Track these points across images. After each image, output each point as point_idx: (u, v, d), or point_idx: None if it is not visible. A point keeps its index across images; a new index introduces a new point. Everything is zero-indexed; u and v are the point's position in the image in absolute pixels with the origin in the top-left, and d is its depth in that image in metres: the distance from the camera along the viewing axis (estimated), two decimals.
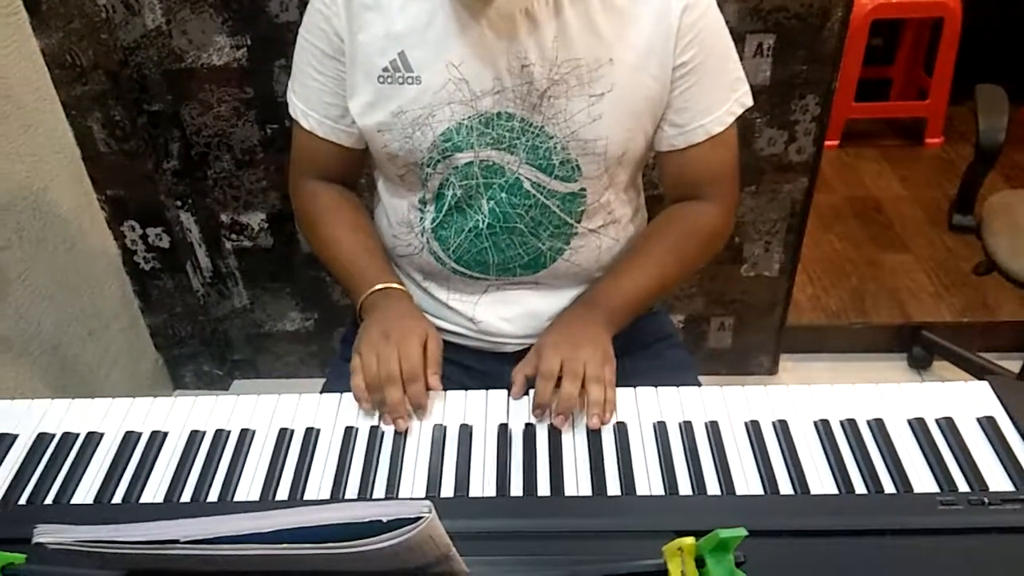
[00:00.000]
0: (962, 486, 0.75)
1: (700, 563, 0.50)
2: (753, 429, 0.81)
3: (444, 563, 0.48)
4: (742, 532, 0.49)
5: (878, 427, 0.81)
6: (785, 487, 0.76)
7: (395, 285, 0.97)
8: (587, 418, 0.81)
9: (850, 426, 0.81)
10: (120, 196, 1.60)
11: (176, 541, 0.41)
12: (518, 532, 0.72)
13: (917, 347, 1.92)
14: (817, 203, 1.65)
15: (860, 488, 0.75)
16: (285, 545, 0.41)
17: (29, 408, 0.88)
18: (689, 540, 0.49)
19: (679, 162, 0.96)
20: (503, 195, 0.94)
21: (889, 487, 0.75)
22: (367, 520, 0.41)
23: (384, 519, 0.41)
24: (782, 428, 0.81)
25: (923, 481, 0.76)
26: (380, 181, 1.04)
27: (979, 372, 1.80)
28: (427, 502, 0.43)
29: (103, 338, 1.64)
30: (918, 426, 0.81)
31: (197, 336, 1.81)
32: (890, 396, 0.85)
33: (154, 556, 0.44)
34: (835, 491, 0.75)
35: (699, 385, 1.09)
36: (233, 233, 1.67)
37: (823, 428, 0.81)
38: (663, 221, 1.02)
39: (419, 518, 0.41)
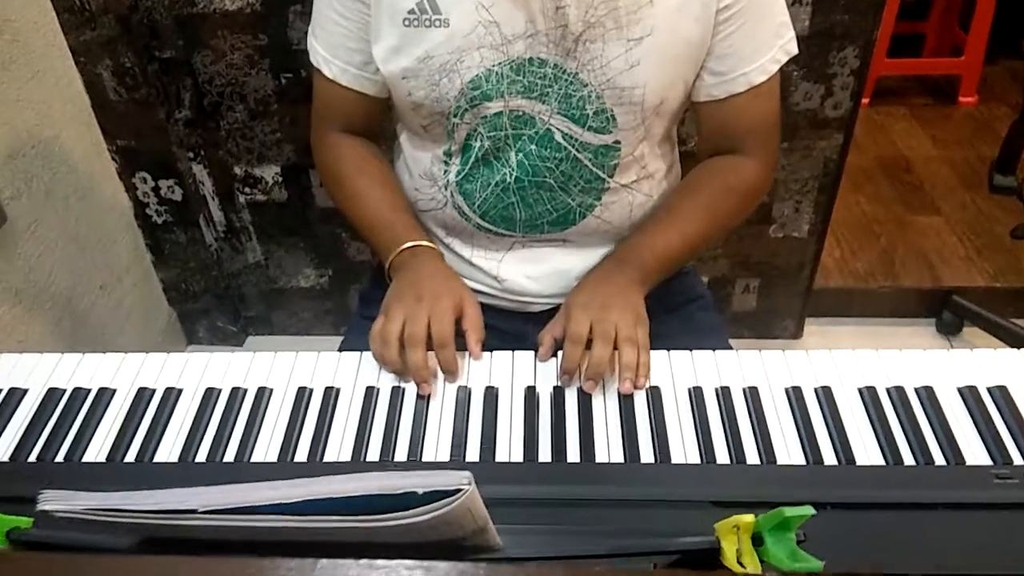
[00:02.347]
0: (1017, 459, 0.71)
1: (757, 541, 0.46)
2: (795, 395, 0.77)
3: (480, 536, 0.44)
4: (808, 511, 0.45)
5: (927, 395, 0.77)
6: (829, 457, 0.72)
7: (425, 243, 0.93)
8: (619, 382, 0.78)
9: (897, 394, 0.77)
10: (131, 147, 1.55)
11: (194, 511, 0.38)
12: (547, 499, 0.68)
13: (947, 312, 1.87)
14: (847, 163, 1.59)
15: (908, 459, 0.71)
16: (313, 516, 0.38)
17: (39, 362, 0.85)
18: (748, 518, 0.45)
19: (718, 114, 0.91)
20: (533, 147, 0.89)
21: (940, 459, 0.71)
22: (401, 492, 0.37)
23: (420, 490, 0.37)
24: (825, 395, 0.77)
25: (976, 453, 0.72)
26: (403, 133, 0.99)
27: (1011, 339, 1.75)
28: (467, 473, 0.39)
29: (115, 292, 1.61)
30: (970, 395, 0.77)
31: (210, 291, 1.78)
32: (939, 363, 0.81)
33: (170, 526, 0.40)
34: (882, 462, 0.71)
35: (731, 348, 1.06)
36: (247, 186, 1.62)
37: (869, 396, 0.77)
38: (699, 176, 0.97)
39: (459, 490, 0.38)
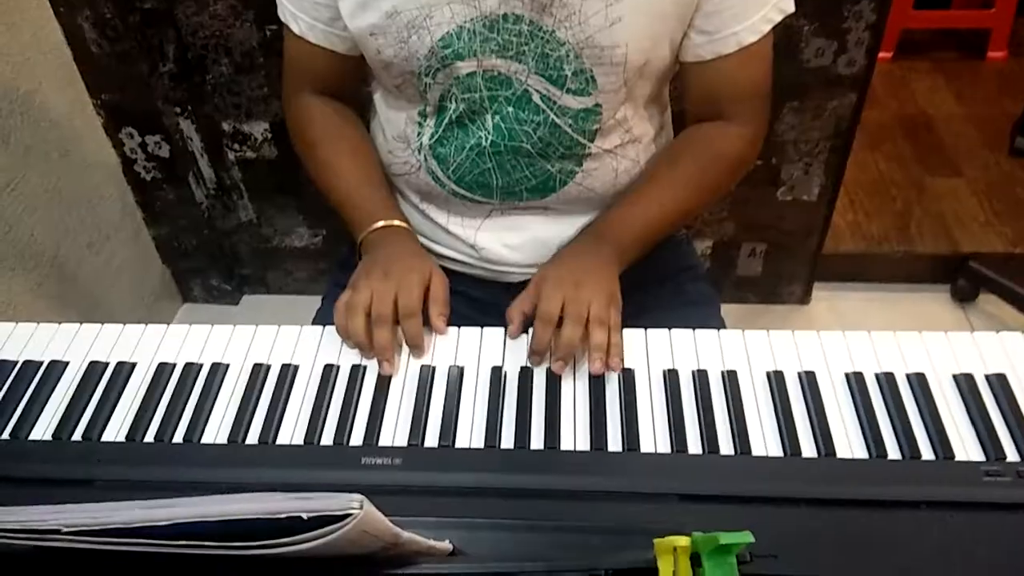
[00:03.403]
0: (1011, 455, 0.66)
1: (696, 561, 0.42)
2: (776, 381, 0.72)
3: (396, 548, 0.41)
4: (747, 538, 0.41)
5: (919, 383, 0.72)
6: (808, 449, 0.67)
7: (398, 222, 0.88)
8: (589, 362, 0.73)
9: (887, 381, 0.72)
10: (115, 101, 1.51)
11: (58, 532, 0.35)
12: (507, 489, 0.65)
13: (962, 278, 1.80)
14: (864, 120, 1.51)
15: (894, 453, 0.67)
16: (184, 540, 0.34)
17: None
18: (684, 540, 0.41)
19: (705, 76, 0.84)
20: (509, 110, 0.84)
21: (927, 453, 0.67)
22: (284, 516, 0.34)
23: (304, 515, 0.34)
24: (809, 381, 0.72)
25: (967, 447, 0.67)
26: (378, 91, 0.94)
27: None
28: (358, 496, 0.35)
29: (104, 250, 1.58)
30: (965, 383, 0.72)
31: (203, 250, 1.74)
32: (935, 347, 0.76)
33: (36, 546, 0.37)
34: (865, 455, 0.67)
35: (722, 322, 1.01)
36: (235, 143, 1.58)
37: (856, 382, 0.72)
38: (682, 144, 0.91)
39: (347, 515, 0.34)
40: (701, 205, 0.91)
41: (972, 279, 1.79)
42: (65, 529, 0.34)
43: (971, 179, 1.99)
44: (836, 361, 0.74)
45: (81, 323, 0.82)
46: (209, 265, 1.78)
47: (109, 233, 1.59)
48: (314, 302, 1.05)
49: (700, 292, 1.03)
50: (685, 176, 0.87)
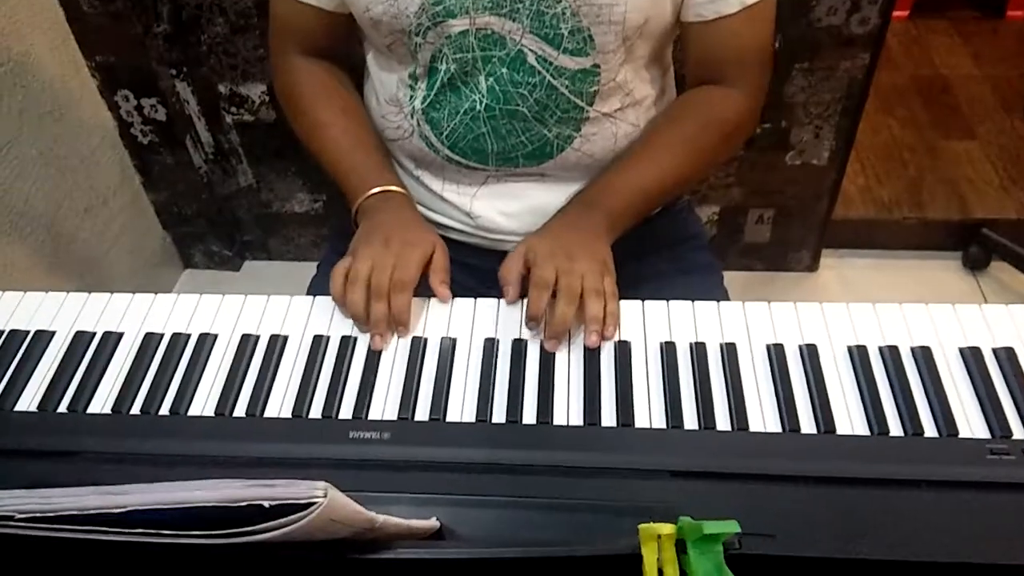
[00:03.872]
0: (1018, 432, 0.64)
1: (681, 547, 0.40)
2: (776, 354, 0.70)
3: (374, 532, 0.39)
4: (733, 527, 0.39)
5: (924, 357, 0.69)
6: (808, 425, 0.65)
7: (395, 188, 0.86)
8: (585, 335, 0.71)
9: (891, 354, 0.70)
10: (110, 63, 1.48)
11: (11, 518, 0.33)
12: (498, 464, 0.63)
13: (974, 246, 1.76)
14: (878, 82, 1.46)
15: (896, 430, 0.65)
16: (141, 529, 0.33)
17: None
18: (668, 528, 0.39)
19: (705, 38, 0.81)
20: (504, 71, 0.81)
21: (931, 430, 0.65)
22: (244, 504, 0.32)
23: (266, 504, 0.32)
24: (810, 354, 0.70)
25: (972, 424, 0.65)
26: (370, 51, 0.91)
27: None
28: (322, 484, 0.34)
29: (101, 215, 1.56)
30: (971, 357, 0.69)
31: (203, 215, 1.73)
32: (942, 319, 0.73)
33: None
34: (866, 432, 0.65)
35: (724, 292, 0.99)
36: (233, 106, 1.55)
37: (859, 356, 0.70)
38: (679, 108, 0.88)
39: (311, 504, 0.32)
40: (697, 172, 0.88)
41: (985, 246, 1.75)
42: (18, 516, 0.33)
43: (987, 143, 1.94)
44: (839, 334, 0.72)
45: (81, 290, 0.80)
46: (209, 231, 1.76)
47: (107, 198, 1.57)
48: (316, 268, 1.03)
49: (701, 262, 1.00)
50: (682, 140, 0.84)
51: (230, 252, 1.81)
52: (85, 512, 0.32)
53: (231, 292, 0.79)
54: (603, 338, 0.71)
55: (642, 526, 0.41)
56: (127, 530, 0.32)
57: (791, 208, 1.66)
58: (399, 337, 0.74)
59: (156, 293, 0.80)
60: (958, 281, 1.76)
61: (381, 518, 0.39)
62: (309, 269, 1.04)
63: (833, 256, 1.79)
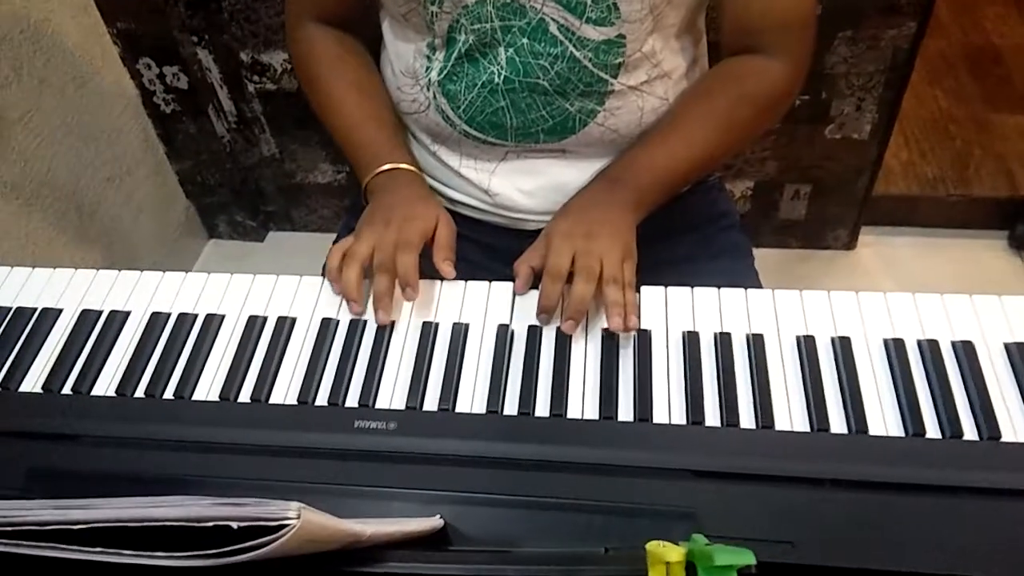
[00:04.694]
0: None
1: (692, 569, 0.37)
2: (806, 347, 0.66)
3: (365, 542, 0.37)
4: (748, 559, 0.36)
5: (965, 352, 0.65)
6: (838, 424, 0.62)
7: (405, 165, 0.83)
8: (607, 318, 0.67)
9: (930, 349, 0.65)
10: (131, 30, 1.45)
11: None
12: (508, 460, 0.60)
13: (1021, 224, 1.68)
14: (924, 50, 1.38)
15: (933, 432, 0.61)
16: (100, 549, 0.30)
17: None
18: (677, 554, 0.36)
19: (742, 3, 0.76)
20: (524, 41, 0.76)
21: (971, 433, 0.60)
22: (211, 525, 0.30)
23: (234, 525, 0.30)
24: (842, 347, 0.66)
25: (1017, 427, 0.61)
26: (385, 19, 0.87)
27: None
28: (295, 505, 0.31)
29: (125, 185, 1.55)
30: (1018, 353, 0.65)
31: (227, 185, 1.71)
32: (987, 311, 0.69)
33: None
34: (900, 433, 0.61)
35: (755, 275, 0.94)
36: (255, 74, 1.52)
37: (895, 350, 0.65)
38: (713, 78, 0.83)
39: (283, 526, 0.30)
40: (731, 148, 0.83)
41: None
42: None
43: None
44: (875, 326, 0.68)
45: (105, 260, 0.80)
46: (233, 201, 1.75)
47: (130, 167, 1.56)
48: None
49: (731, 243, 0.96)
50: (715, 115, 0.80)
51: (254, 222, 1.80)
52: (44, 528, 0.30)
53: (254, 262, 0.78)
54: (625, 327, 0.67)
55: (650, 546, 0.38)
56: (87, 548, 0.30)
57: (829, 184, 1.59)
58: (411, 320, 0.71)
59: (180, 263, 0.78)
60: (1003, 261, 1.69)
61: (369, 530, 0.37)
62: (333, 240, 1.01)
63: (872, 234, 1.72)
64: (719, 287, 0.72)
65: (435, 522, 0.52)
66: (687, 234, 0.92)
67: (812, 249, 1.73)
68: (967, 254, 1.70)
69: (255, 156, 1.68)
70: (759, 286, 0.92)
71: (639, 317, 0.69)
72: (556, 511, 0.56)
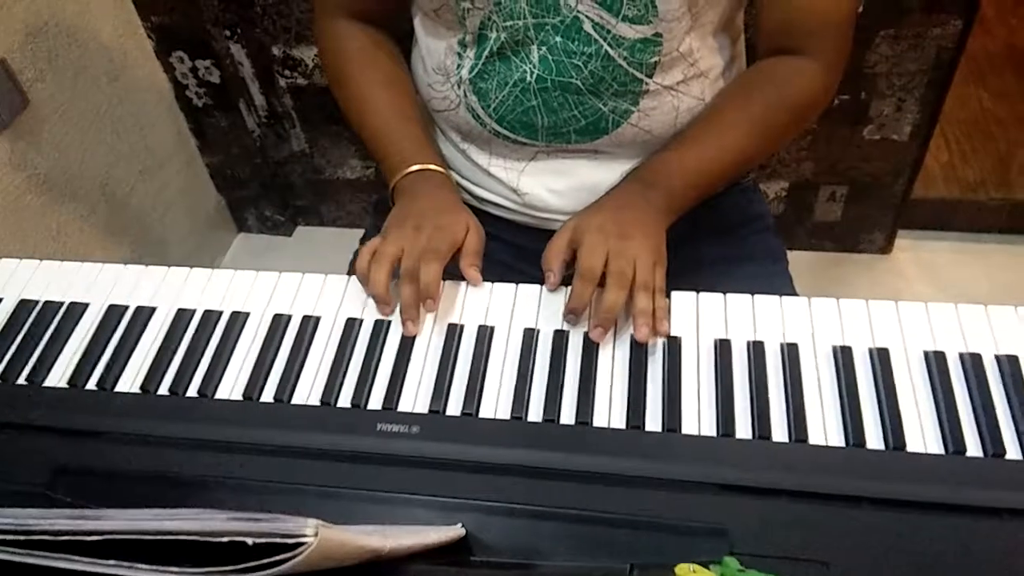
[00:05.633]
0: None
1: None
2: (843, 358, 0.64)
3: (384, 556, 0.36)
4: None
5: (1010, 367, 0.62)
6: (875, 440, 0.59)
7: (434, 167, 0.81)
8: (634, 328, 0.66)
9: (972, 363, 0.63)
10: (165, 23, 1.46)
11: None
12: (531, 468, 0.59)
13: None
14: (969, 49, 1.34)
15: (975, 450, 0.58)
16: (113, 562, 0.30)
17: (16, 269, 0.80)
18: None
19: (780, 4, 0.74)
20: (557, 39, 0.75)
21: (1014, 451, 0.58)
22: (226, 540, 0.29)
23: (249, 542, 0.29)
24: (880, 359, 0.64)
25: None
26: (417, 15, 0.86)
27: None
28: (314, 522, 0.30)
29: (157, 177, 1.56)
30: None
31: (257, 179, 1.72)
32: None
33: None
34: (940, 451, 0.59)
35: (789, 280, 0.92)
36: (287, 69, 1.52)
37: (936, 363, 0.63)
38: (748, 80, 0.81)
39: (299, 544, 0.29)
40: (766, 150, 0.81)
41: None
42: None
43: None
44: (915, 337, 0.66)
45: (136, 253, 0.80)
46: (263, 195, 1.75)
47: (163, 160, 1.57)
48: None
49: (765, 246, 0.93)
50: (750, 116, 0.77)
51: (283, 217, 1.80)
52: (57, 538, 0.29)
53: (282, 257, 0.77)
54: (656, 333, 0.66)
55: (680, 570, 0.36)
56: (101, 560, 0.29)
57: (866, 186, 1.56)
58: (430, 313, 0.70)
59: (209, 256, 0.78)
60: None
61: (389, 544, 0.36)
62: (360, 236, 1.01)
63: (909, 238, 1.68)
64: (752, 292, 0.70)
65: (457, 531, 0.51)
66: (720, 236, 0.90)
67: (847, 252, 1.69)
68: (1008, 260, 1.65)
69: (285, 151, 1.68)
70: (793, 292, 0.89)
71: (669, 323, 0.67)
72: (581, 523, 0.54)
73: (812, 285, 0.89)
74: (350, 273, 0.76)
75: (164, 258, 1.58)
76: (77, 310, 0.74)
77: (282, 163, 1.71)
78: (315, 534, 0.29)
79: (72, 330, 0.73)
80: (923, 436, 0.59)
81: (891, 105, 1.42)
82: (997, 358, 0.63)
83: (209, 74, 1.52)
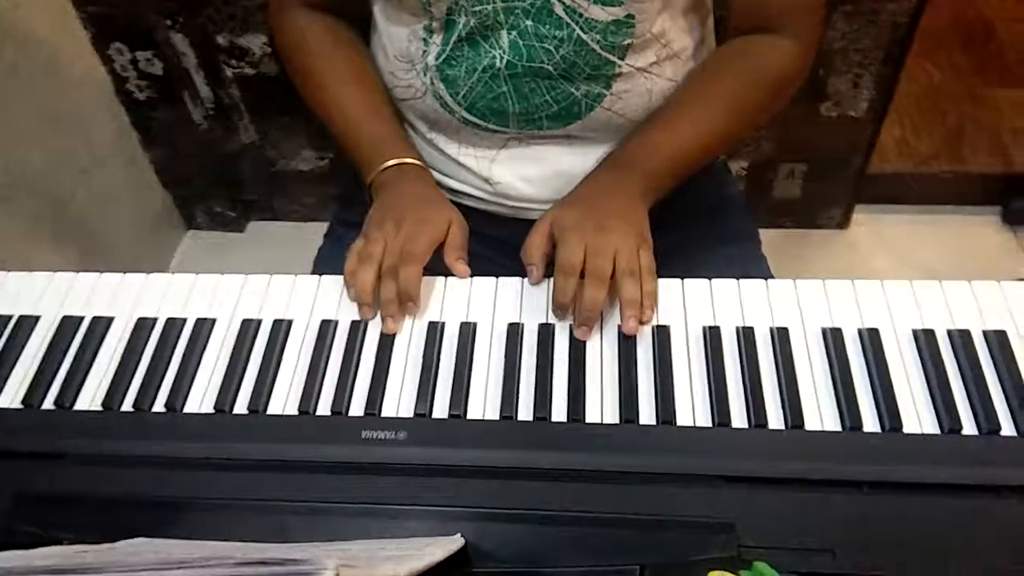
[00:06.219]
0: None
1: None
2: (833, 339, 0.63)
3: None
4: None
5: (999, 343, 0.62)
6: (871, 423, 0.59)
7: (410, 160, 0.79)
8: (622, 320, 0.64)
9: (962, 340, 0.62)
10: (102, 13, 1.39)
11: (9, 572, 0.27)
12: (524, 469, 0.57)
13: (1017, 199, 1.67)
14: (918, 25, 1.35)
15: (970, 428, 0.58)
16: None
17: None
18: None
19: None
20: (528, 23, 0.72)
21: (1009, 428, 0.58)
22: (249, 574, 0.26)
23: None
24: (871, 339, 0.63)
25: None
26: (377, 2, 0.82)
27: None
28: (333, 564, 0.27)
29: (99, 176, 1.49)
30: None
31: (205, 174, 1.65)
32: (1017, 298, 0.66)
33: None
34: (936, 430, 0.58)
35: (764, 261, 0.91)
36: (233, 58, 1.46)
37: (925, 342, 0.63)
38: (721, 58, 0.79)
39: None
40: (741, 130, 0.79)
41: None
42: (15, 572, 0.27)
43: None
44: (903, 315, 0.65)
45: (82, 255, 0.75)
46: (211, 190, 1.69)
47: (104, 158, 1.50)
48: (322, 228, 0.96)
49: (740, 227, 0.93)
50: (723, 95, 0.76)
51: (233, 212, 1.74)
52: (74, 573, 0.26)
53: (235, 254, 0.73)
54: (641, 323, 0.64)
55: (712, 573, 0.34)
56: None
57: (824, 162, 1.57)
58: (411, 316, 0.67)
59: (158, 256, 0.74)
60: (997, 237, 1.68)
61: (404, 571, 0.33)
62: (316, 229, 0.97)
63: (866, 212, 1.70)
64: (734, 276, 0.69)
65: (456, 542, 0.49)
66: (695, 219, 0.89)
67: (806, 229, 1.70)
68: (961, 230, 1.68)
69: (234, 143, 1.62)
70: (768, 272, 0.89)
71: (656, 308, 0.66)
72: (584, 525, 0.52)
73: (773, 263, 0.89)
74: (316, 272, 0.73)
75: (110, 261, 1.51)
76: (27, 324, 0.70)
77: (231, 156, 1.65)
78: (336, 573, 0.27)
79: (24, 345, 0.68)
80: (918, 417, 0.59)
81: (847, 82, 1.43)
82: (985, 334, 0.63)
83: (151, 66, 1.45)
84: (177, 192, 1.70)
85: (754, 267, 0.89)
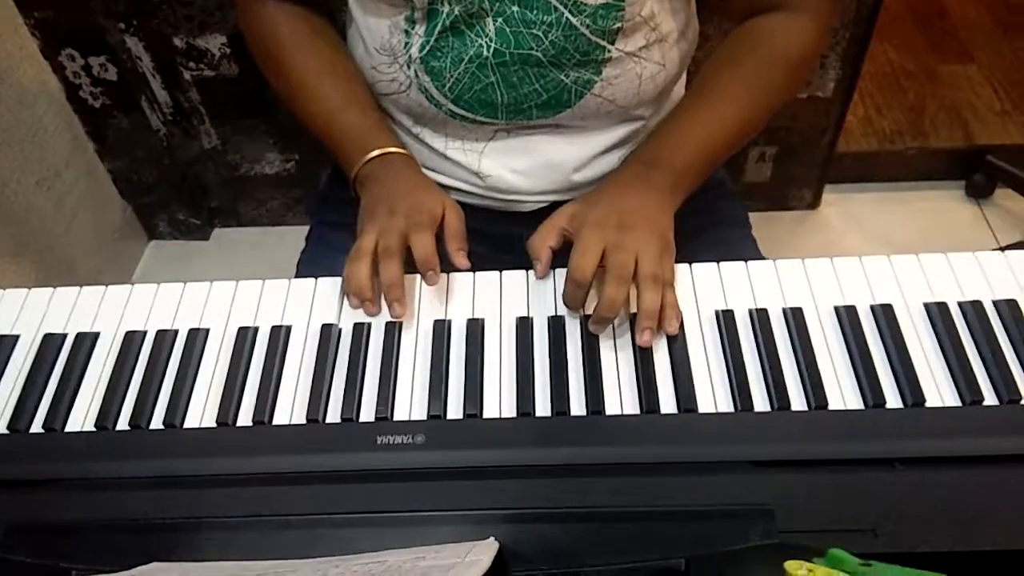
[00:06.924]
0: None
1: None
2: (848, 317, 0.63)
3: None
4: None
5: (1011, 313, 0.62)
6: (892, 399, 0.58)
7: (395, 149, 0.76)
8: (637, 330, 0.62)
9: (974, 312, 0.62)
10: (51, 19, 1.33)
11: None
12: (546, 467, 0.55)
13: (979, 173, 1.70)
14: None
15: (991, 399, 0.58)
16: None
17: None
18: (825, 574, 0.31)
19: None
20: (515, 10, 0.70)
21: None
22: None
23: None
24: (885, 316, 0.63)
25: None
26: None
27: None
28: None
29: (56, 187, 1.43)
30: None
31: (166, 182, 1.60)
32: (1021, 267, 0.66)
33: None
34: (957, 403, 0.58)
35: (755, 244, 0.91)
36: (191, 61, 1.41)
37: (939, 315, 0.62)
38: (739, 43, 0.78)
39: None
40: (766, 114, 0.77)
41: (988, 174, 1.69)
42: None
43: (986, 67, 1.87)
44: (912, 289, 0.65)
45: (41, 273, 0.71)
46: (174, 198, 1.64)
47: (59, 169, 1.44)
48: (290, 233, 0.93)
49: (730, 211, 0.92)
50: (745, 80, 0.75)
51: (198, 220, 1.69)
52: None
53: (201, 262, 0.70)
54: (666, 332, 0.62)
55: (789, 565, 0.33)
56: None
57: (794, 144, 1.58)
58: (419, 319, 0.65)
59: (120, 268, 0.70)
60: (962, 210, 1.71)
61: None
62: (283, 233, 0.94)
63: (835, 192, 1.72)
64: (742, 259, 0.68)
65: (492, 546, 0.47)
66: (687, 204, 0.88)
67: (777, 211, 1.71)
68: (928, 205, 1.71)
69: (195, 149, 1.57)
70: (759, 254, 0.88)
71: (681, 318, 0.64)
72: (618, 521, 0.51)
73: None
74: (297, 276, 0.70)
75: (72, 275, 1.45)
76: (7, 343, 0.66)
77: (192, 162, 1.59)
78: None
79: (4, 367, 0.64)
80: (938, 389, 0.58)
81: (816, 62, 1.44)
82: (996, 304, 0.63)
83: (104, 71, 1.40)
84: (137, 201, 1.64)
85: (746, 249, 0.88)
